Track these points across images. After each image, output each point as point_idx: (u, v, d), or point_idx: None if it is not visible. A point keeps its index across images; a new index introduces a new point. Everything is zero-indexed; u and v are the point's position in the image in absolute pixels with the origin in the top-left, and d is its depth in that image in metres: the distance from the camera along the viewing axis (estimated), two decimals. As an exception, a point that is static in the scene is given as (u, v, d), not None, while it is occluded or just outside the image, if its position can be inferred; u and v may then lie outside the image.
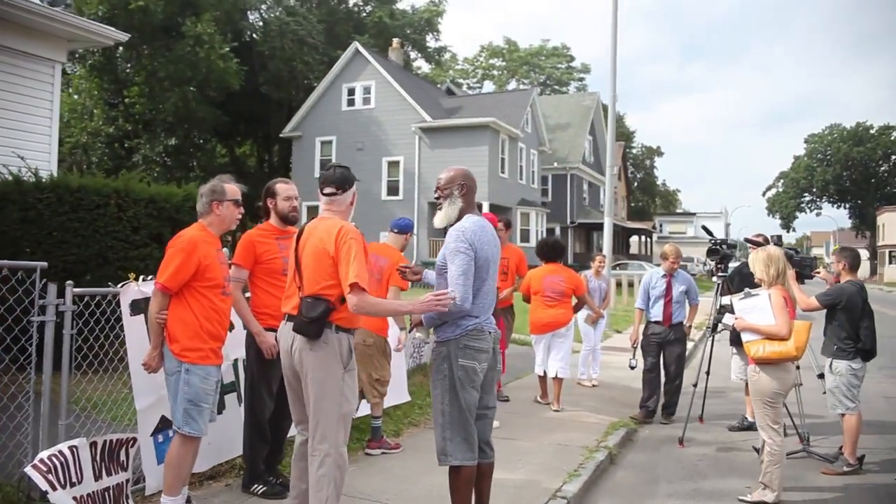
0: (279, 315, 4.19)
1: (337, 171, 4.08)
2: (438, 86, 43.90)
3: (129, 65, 34.29)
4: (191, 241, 4.19)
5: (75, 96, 35.55)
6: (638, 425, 7.68)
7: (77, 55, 31.61)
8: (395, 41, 36.20)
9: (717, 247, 7.54)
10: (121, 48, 34.21)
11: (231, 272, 4.66)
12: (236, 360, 5.37)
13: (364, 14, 41.90)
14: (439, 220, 4.18)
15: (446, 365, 3.94)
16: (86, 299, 4.63)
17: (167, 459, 4.25)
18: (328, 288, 3.81)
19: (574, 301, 8.47)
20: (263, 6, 37.77)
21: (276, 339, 4.28)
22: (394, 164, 32.28)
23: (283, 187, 5.05)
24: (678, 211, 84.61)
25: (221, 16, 33.54)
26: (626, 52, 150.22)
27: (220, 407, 5.07)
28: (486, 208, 29.93)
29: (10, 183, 7.75)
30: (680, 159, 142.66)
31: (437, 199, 4.20)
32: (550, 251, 8.39)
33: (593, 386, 9.58)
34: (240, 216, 4.50)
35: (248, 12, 37.32)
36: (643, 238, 54.67)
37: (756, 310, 5.44)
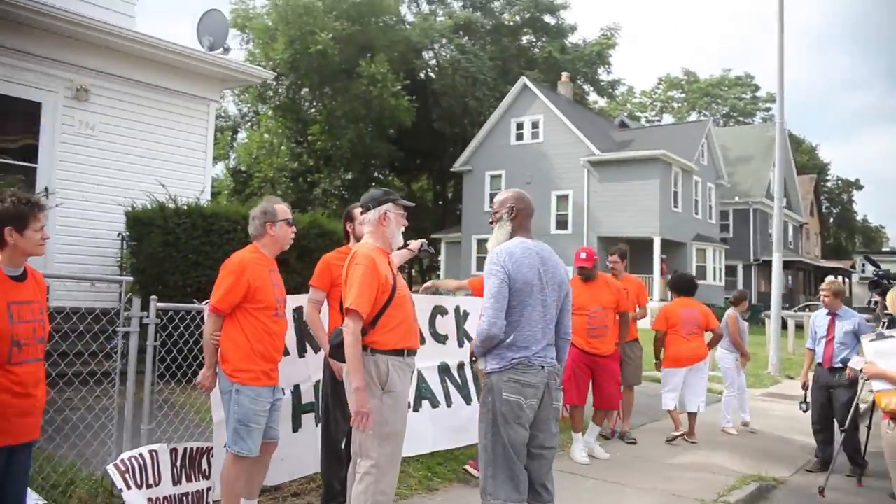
0: None
1: (369, 191, 4.18)
2: (612, 119, 43.08)
3: (311, 104, 36.69)
4: (240, 263, 4.24)
5: (265, 135, 38.56)
6: (795, 476, 6.96)
7: (267, 97, 34.36)
8: (565, 75, 36.01)
9: (881, 280, 6.73)
10: (304, 90, 36.86)
11: (309, 293, 4.78)
12: (317, 382, 5.38)
13: (535, 50, 42.17)
14: (489, 243, 4.06)
15: (490, 398, 3.76)
16: (169, 314, 4.91)
17: (221, 475, 4.29)
18: None
19: (708, 337, 8.35)
20: (436, 45, 39.06)
21: None
22: (563, 198, 31.90)
23: (360, 212, 5.04)
24: (884, 249, 76.66)
25: (397, 56, 35.13)
26: (823, 80, 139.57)
27: (296, 426, 5.21)
28: (656, 244, 28.86)
29: (155, 209, 8.41)
30: (885, 193, 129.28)
31: (491, 223, 4.10)
32: (686, 285, 8.42)
33: (751, 432, 8.78)
34: (293, 235, 4.52)
35: (423, 52, 38.73)
36: (840, 278, 49.95)
37: (893, 355, 4.66)
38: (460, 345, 6.73)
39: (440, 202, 43.43)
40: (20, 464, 3.29)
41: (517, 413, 3.69)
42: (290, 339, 5.19)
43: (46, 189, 8.99)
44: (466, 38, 39.27)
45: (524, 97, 33.12)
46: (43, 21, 8.76)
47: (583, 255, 7.16)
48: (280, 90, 35.89)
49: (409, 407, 6.22)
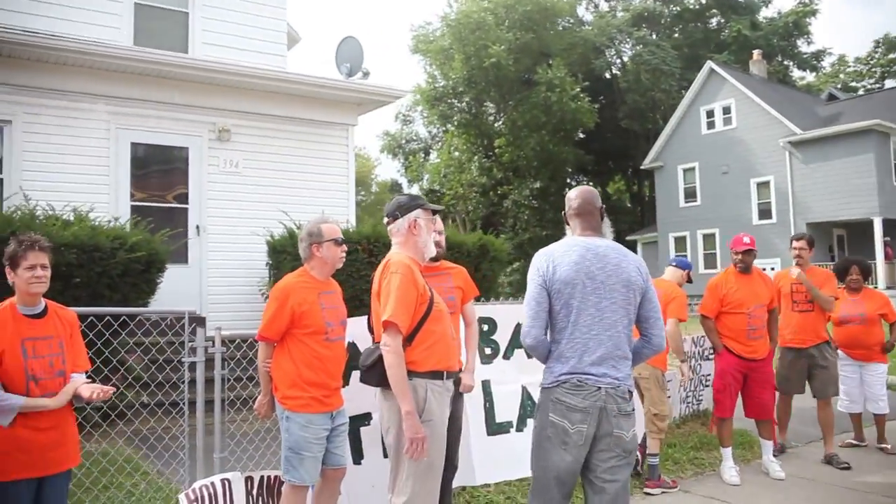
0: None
1: (393, 199, 3.86)
2: (819, 94, 38.96)
3: (494, 117, 36.94)
4: (284, 289, 4.08)
5: (456, 153, 39.33)
6: None
7: (449, 116, 35.07)
8: (756, 53, 33.10)
9: None
10: (486, 104, 37.17)
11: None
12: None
13: (723, 32, 39.31)
14: None
15: (538, 416, 3.41)
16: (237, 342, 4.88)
17: None
18: None
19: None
20: (617, 42, 37.75)
21: None
22: (763, 185, 29.26)
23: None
24: None
25: (577, 59, 34.40)
26: None
27: (358, 456, 4.94)
28: (877, 225, 25.51)
29: (285, 237, 8.64)
30: None
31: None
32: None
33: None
34: (343, 254, 4.27)
35: (603, 50, 37.60)
36: None
37: None
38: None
39: (637, 203, 41.76)
40: (55, 493, 3.41)
41: (563, 438, 3.24)
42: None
43: (198, 227, 9.58)
44: (648, 29, 37.55)
45: (712, 83, 30.91)
46: (185, 73, 9.38)
47: (746, 240, 6.17)
48: (462, 107, 36.47)
49: (513, 427, 5.81)
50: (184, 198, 9.63)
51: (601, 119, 36.00)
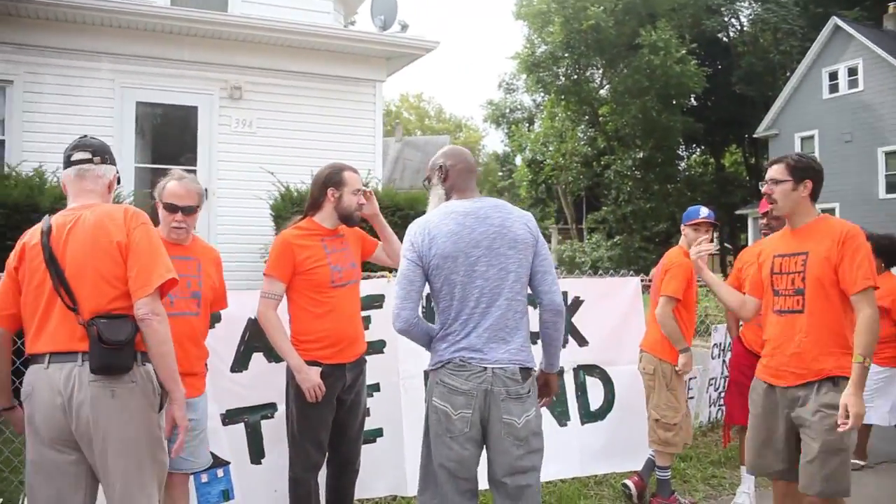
0: (329, 342, 3.66)
1: (91, 139, 2.96)
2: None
3: (595, 84, 35.14)
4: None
5: (557, 122, 37.79)
6: None
7: (546, 82, 33.63)
8: (893, 5, 29.48)
9: None
10: (589, 71, 35.36)
11: (264, 285, 3.73)
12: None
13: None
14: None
15: (426, 403, 3.14)
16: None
17: None
18: (126, 298, 2.66)
19: None
20: (732, 1, 34.84)
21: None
22: (892, 155, 26.20)
23: (351, 176, 3.84)
24: None
25: (689, 20, 32.04)
26: None
27: (258, 455, 4.29)
28: None
29: (281, 202, 8.01)
30: None
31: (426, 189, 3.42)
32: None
33: None
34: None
35: (717, 11, 34.82)
36: None
37: None
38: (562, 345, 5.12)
39: (754, 175, 38.80)
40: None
41: (446, 426, 2.94)
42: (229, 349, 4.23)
43: (206, 190, 9.07)
44: (768, -15, 34.39)
45: (837, 41, 27.84)
46: (193, 27, 8.86)
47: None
48: (561, 73, 34.87)
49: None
50: (192, 160, 9.15)
51: (713, 85, 33.49)
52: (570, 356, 5.21)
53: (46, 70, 8.54)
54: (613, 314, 5.39)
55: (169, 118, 9.32)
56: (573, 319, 5.25)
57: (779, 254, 3.54)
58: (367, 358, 4.00)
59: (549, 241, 55.34)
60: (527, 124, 43.15)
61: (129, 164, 8.76)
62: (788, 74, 31.83)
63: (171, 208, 3.42)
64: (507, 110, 44.66)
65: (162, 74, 9.01)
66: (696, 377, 6.14)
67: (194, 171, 9.11)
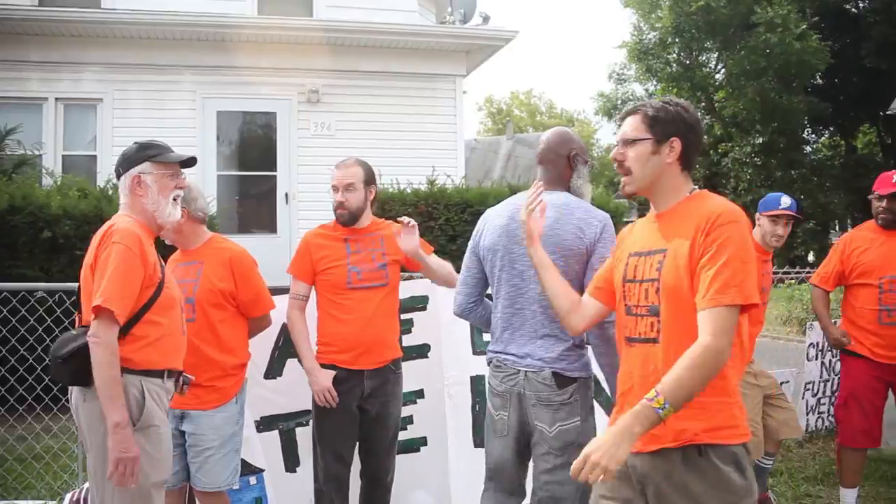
0: (346, 346, 3.53)
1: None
2: None
3: (708, 68, 33.51)
4: None
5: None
6: None
7: (655, 69, 32.36)
8: None
9: None
10: (704, 54, 33.79)
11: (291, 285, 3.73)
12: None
13: None
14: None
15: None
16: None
17: None
18: None
19: None
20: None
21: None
22: None
23: (333, 172, 3.73)
24: None
25: (807, -8, 29.94)
26: None
27: (294, 463, 4.14)
28: None
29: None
30: None
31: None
32: None
33: None
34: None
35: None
36: None
37: None
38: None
39: (890, 156, 35.85)
40: None
41: (492, 425, 2.97)
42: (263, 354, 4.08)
43: (287, 195, 9.16)
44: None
45: (983, 1, 25.21)
46: (267, 34, 8.96)
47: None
48: (671, 59, 33.43)
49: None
50: (272, 165, 9.24)
51: (840, 60, 31.09)
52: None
53: (132, 87, 8.88)
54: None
55: (249, 125, 9.47)
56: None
57: (635, 251, 2.37)
58: (400, 365, 3.77)
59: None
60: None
61: (211, 172, 8.96)
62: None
63: None
64: (619, 101, 43.30)
65: (240, 83, 9.19)
66: (788, 381, 5.52)
67: (274, 176, 9.23)
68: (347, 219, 3.62)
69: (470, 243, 3.12)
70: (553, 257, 2.71)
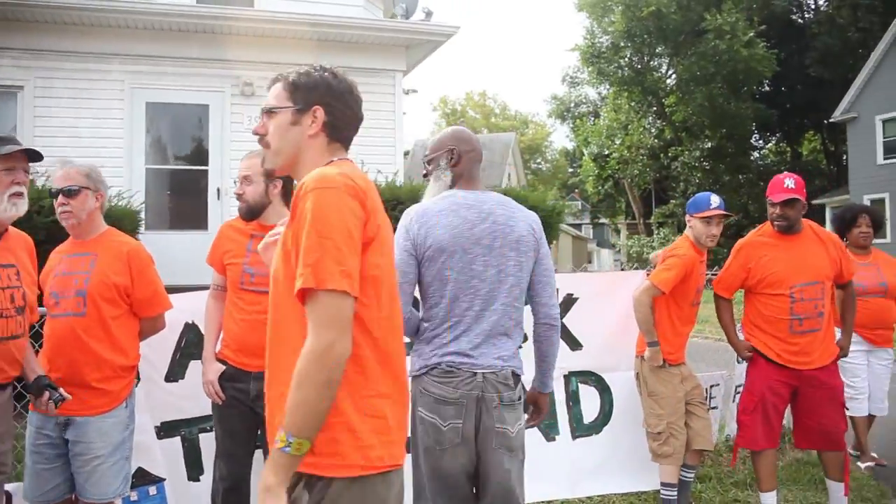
0: (235, 347, 3.35)
1: None
2: None
3: (658, 73, 33.95)
4: None
5: (621, 114, 36.69)
6: None
7: (608, 73, 32.66)
8: (982, -28, 27.32)
9: None
10: (653, 61, 34.23)
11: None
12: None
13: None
14: (423, 199, 2.96)
15: (412, 414, 2.72)
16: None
17: None
18: None
19: None
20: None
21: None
22: None
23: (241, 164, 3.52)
24: None
25: (755, 1, 30.52)
26: None
27: (197, 472, 3.93)
28: None
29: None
30: None
31: (425, 175, 3.03)
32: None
33: None
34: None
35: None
36: None
37: None
38: (573, 347, 4.64)
39: (833, 162, 36.79)
40: None
41: (435, 437, 2.65)
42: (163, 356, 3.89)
43: (219, 190, 8.86)
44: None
45: (922, 14, 25.96)
46: (203, 24, 8.66)
47: (789, 183, 4.10)
48: (623, 63, 33.79)
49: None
50: (204, 159, 8.94)
51: (786, 68, 31.84)
52: (561, 362, 4.55)
53: (57, 74, 8.47)
54: (613, 313, 4.78)
55: (180, 118, 9.14)
56: (564, 320, 4.65)
57: None
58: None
59: (617, 237, 54.16)
60: (592, 118, 42.19)
61: (139, 165, 8.61)
62: (868, 53, 29.93)
63: (53, 193, 3.14)
64: (572, 104, 43.91)
65: (172, 73, 8.85)
66: (718, 384, 5.46)
67: (206, 171, 8.92)
68: (245, 212, 3.42)
69: (403, 244, 2.72)
70: (511, 253, 2.75)
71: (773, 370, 4.10)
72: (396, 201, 7.12)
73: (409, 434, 2.51)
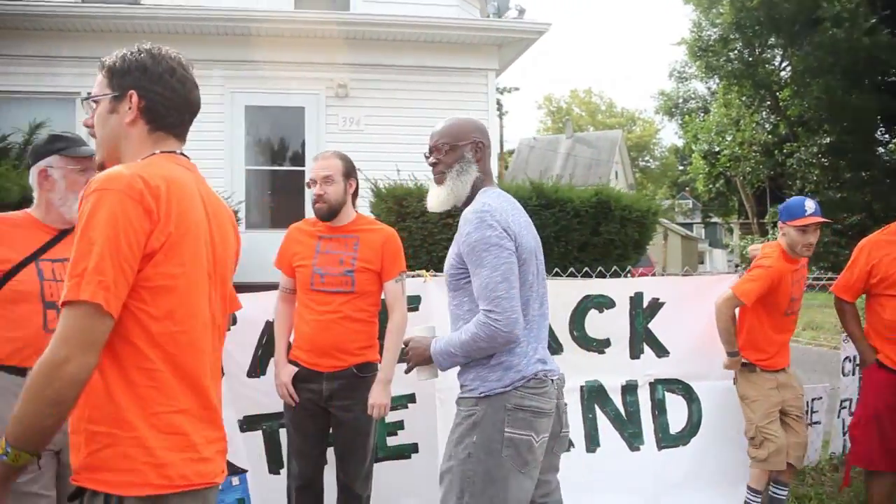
0: (307, 347, 3.38)
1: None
2: None
3: (772, 66, 32.38)
4: None
5: (731, 109, 35.25)
6: None
7: (715, 66, 31.45)
8: None
9: None
10: (767, 51, 32.71)
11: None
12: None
13: None
14: (439, 198, 2.65)
15: (476, 438, 2.42)
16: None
17: None
18: None
19: None
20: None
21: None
22: None
23: (310, 165, 3.59)
24: None
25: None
26: None
27: (278, 465, 4.01)
28: None
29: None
30: None
31: (434, 164, 2.65)
32: None
33: None
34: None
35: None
36: None
37: None
38: (635, 355, 4.43)
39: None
40: None
41: (525, 458, 2.41)
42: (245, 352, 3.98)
43: (314, 191, 9.08)
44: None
45: None
46: (299, 28, 8.90)
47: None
48: (732, 56, 32.42)
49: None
50: (301, 159, 9.18)
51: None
52: (646, 369, 4.48)
53: (161, 81, 8.89)
54: (703, 319, 4.52)
55: (277, 120, 9.43)
56: (650, 325, 4.49)
57: None
58: (373, 369, 3.51)
59: (730, 236, 51.96)
60: (701, 114, 40.72)
61: (240, 166, 8.94)
62: None
63: None
64: (680, 100, 42.55)
65: (269, 77, 9.13)
66: (821, 398, 5.10)
67: (303, 171, 9.15)
68: (326, 213, 3.42)
69: (507, 244, 2.43)
70: (539, 257, 2.65)
71: (892, 380, 3.80)
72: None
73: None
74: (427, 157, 2.66)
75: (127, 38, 8.02)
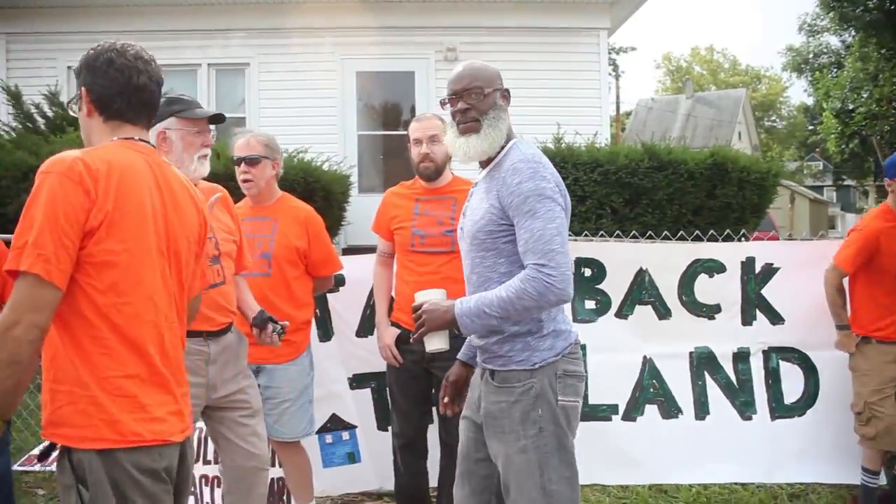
0: (408, 308, 3.23)
1: None
2: None
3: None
4: None
5: (869, 66, 32.82)
6: None
7: (850, 17, 29.27)
8: None
9: None
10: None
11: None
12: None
13: None
14: (478, 147, 2.42)
15: (542, 411, 2.31)
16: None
17: None
18: None
19: None
20: None
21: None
22: None
23: (412, 126, 3.55)
24: None
25: None
26: None
27: (386, 422, 4.07)
28: None
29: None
30: None
31: (466, 110, 2.41)
32: None
33: None
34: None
35: None
36: None
37: None
38: (747, 321, 4.28)
39: None
40: None
41: (573, 425, 2.39)
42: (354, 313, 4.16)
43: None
44: None
45: None
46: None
47: None
48: (868, 5, 30.05)
49: (617, 413, 4.25)
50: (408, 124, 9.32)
51: None
52: (760, 336, 4.29)
53: (275, 51, 9.21)
54: (822, 285, 4.32)
55: (388, 85, 9.56)
56: (763, 291, 4.29)
57: None
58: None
59: (865, 200, 48.68)
60: (834, 69, 38.17)
61: (352, 131, 9.16)
62: None
63: (236, 161, 3.41)
64: (811, 55, 40.06)
65: (379, 43, 9.24)
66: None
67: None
68: (433, 172, 3.40)
69: (555, 197, 2.30)
70: None
71: None
72: (595, 164, 6.94)
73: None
74: (446, 104, 2.51)
75: (240, 9, 8.37)
